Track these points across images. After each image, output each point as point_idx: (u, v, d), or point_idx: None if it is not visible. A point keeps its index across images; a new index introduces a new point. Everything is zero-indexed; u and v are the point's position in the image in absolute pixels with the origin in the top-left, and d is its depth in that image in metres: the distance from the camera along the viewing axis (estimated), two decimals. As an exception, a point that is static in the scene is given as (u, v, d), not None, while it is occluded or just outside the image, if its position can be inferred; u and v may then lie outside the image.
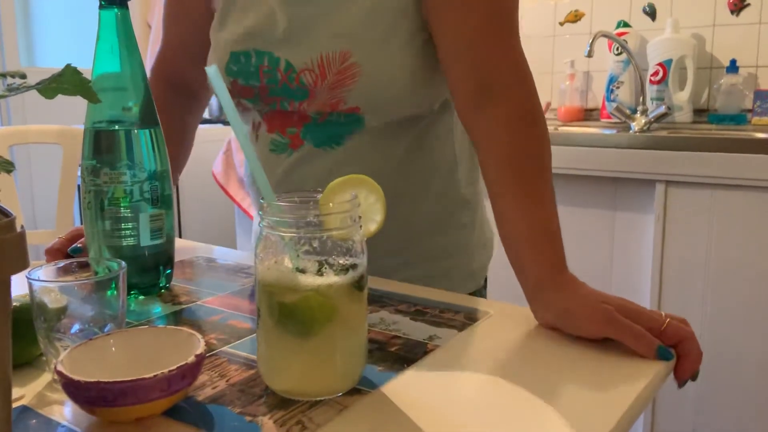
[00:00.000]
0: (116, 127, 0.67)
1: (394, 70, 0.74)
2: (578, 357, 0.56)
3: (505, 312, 0.66)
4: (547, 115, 2.19)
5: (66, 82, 0.40)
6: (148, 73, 0.94)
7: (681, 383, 0.56)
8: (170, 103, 0.92)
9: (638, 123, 1.90)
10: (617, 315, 0.56)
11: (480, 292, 0.90)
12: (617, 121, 2.00)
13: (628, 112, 1.92)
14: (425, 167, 0.82)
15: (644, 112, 1.91)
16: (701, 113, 1.96)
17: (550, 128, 1.97)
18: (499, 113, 0.69)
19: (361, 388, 0.50)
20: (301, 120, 0.79)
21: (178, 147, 0.93)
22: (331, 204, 0.47)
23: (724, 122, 1.87)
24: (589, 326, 0.57)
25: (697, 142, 1.49)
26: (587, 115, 2.19)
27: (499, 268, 0.85)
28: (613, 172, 1.57)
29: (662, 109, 1.84)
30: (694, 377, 0.56)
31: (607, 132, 1.90)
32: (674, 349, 0.56)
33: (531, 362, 0.56)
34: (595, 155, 1.59)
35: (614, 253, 1.62)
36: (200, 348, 0.47)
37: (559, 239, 0.65)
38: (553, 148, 1.73)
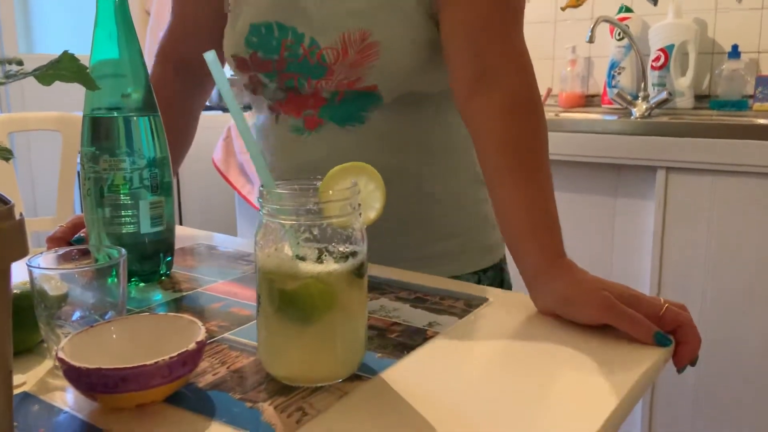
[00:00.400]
0: (115, 113, 0.67)
1: (412, 49, 0.74)
2: (577, 343, 0.56)
3: (505, 299, 0.67)
4: (547, 102, 2.18)
5: (63, 68, 0.40)
6: (155, 54, 0.93)
7: (680, 369, 0.56)
8: (176, 85, 0.91)
9: (639, 109, 1.89)
10: (616, 301, 0.56)
11: (498, 266, 0.89)
12: (618, 107, 1.99)
13: (629, 98, 1.91)
14: (444, 143, 0.83)
15: (645, 98, 1.90)
16: (702, 99, 1.96)
17: (551, 114, 1.96)
18: (496, 101, 0.70)
19: (361, 374, 0.50)
20: (317, 104, 0.79)
21: (182, 132, 0.93)
22: (330, 191, 0.47)
23: (726, 108, 1.87)
24: (587, 312, 0.57)
25: (698, 129, 1.49)
26: (588, 101, 2.18)
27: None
28: (613, 158, 1.56)
29: (663, 95, 1.83)
30: (693, 363, 0.56)
31: (608, 118, 1.90)
32: (673, 334, 0.56)
33: (530, 349, 0.56)
34: (595, 142, 1.58)
35: (614, 239, 1.62)
36: (201, 335, 0.47)
37: (557, 226, 0.65)
38: (554, 135, 1.72)
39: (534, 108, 0.70)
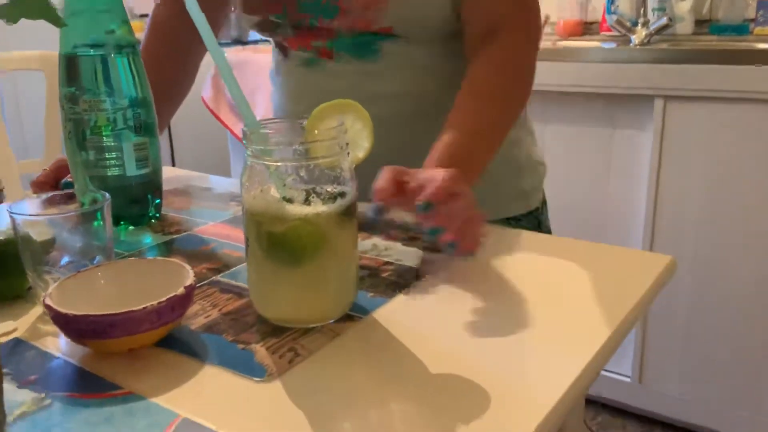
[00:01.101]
0: (91, 51, 0.64)
1: None
2: (570, 276, 0.56)
3: (497, 235, 0.66)
4: (545, 30, 2.12)
5: (28, 4, 0.37)
6: None
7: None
8: (180, 26, 0.86)
9: (639, 36, 1.84)
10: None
11: (534, 215, 0.87)
12: (617, 34, 1.93)
13: (628, 24, 1.85)
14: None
15: (645, 24, 1.84)
16: (703, 24, 1.90)
17: (548, 43, 1.91)
18: (489, 56, 0.71)
19: (353, 314, 0.50)
20: (327, 36, 0.77)
21: (182, 76, 0.90)
22: (316, 131, 0.46)
23: (726, 33, 1.82)
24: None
25: (697, 55, 1.45)
26: (586, 28, 2.12)
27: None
28: (610, 88, 1.53)
29: (663, 20, 1.77)
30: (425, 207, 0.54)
31: (606, 46, 1.85)
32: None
33: (523, 284, 0.56)
34: (592, 71, 1.55)
35: (611, 171, 1.61)
36: (190, 279, 0.47)
37: (468, 158, 0.65)
38: (550, 65, 1.68)
39: (519, 73, 0.73)
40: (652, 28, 1.81)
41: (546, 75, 1.59)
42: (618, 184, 1.61)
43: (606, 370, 1.68)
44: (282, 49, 0.83)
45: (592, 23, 2.11)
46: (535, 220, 0.87)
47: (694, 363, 1.56)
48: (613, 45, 1.86)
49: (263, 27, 0.81)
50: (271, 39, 0.84)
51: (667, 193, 1.52)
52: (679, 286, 1.53)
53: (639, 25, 1.85)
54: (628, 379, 1.65)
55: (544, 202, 0.90)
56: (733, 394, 1.52)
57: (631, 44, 1.84)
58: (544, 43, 1.87)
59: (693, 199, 1.49)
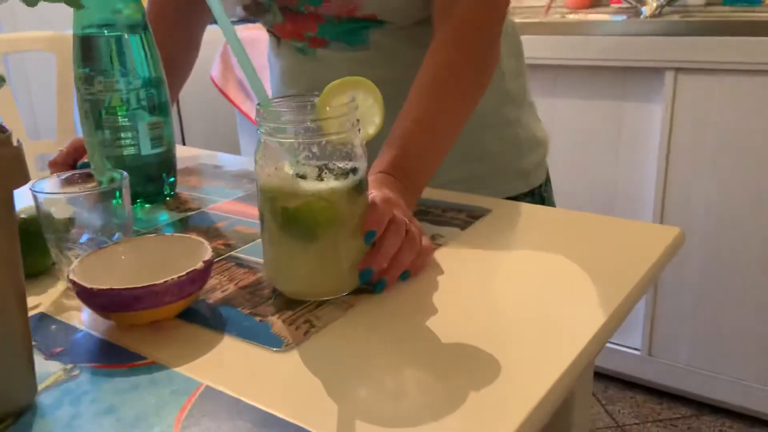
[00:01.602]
0: (105, 32, 0.65)
1: None
2: (578, 249, 0.57)
3: (507, 209, 0.67)
4: (554, 3, 2.10)
5: (46, -13, 0.38)
6: None
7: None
8: (178, 5, 0.88)
9: (650, 7, 1.82)
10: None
11: (538, 193, 0.87)
12: (628, 5, 1.91)
13: (638, -4, 1.83)
14: None
15: (656, -5, 1.82)
16: (715, -5, 1.88)
17: (557, 16, 1.89)
18: (445, 29, 0.68)
19: (366, 287, 0.51)
20: (316, 22, 0.77)
21: (183, 56, 0.91)
22: (328, 108, 0.47)
23: (738, 4, 1.79)
24: None
25: (709, 27, 1.44)
26: (596, 0, 2.09)
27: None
28: (621, 61, 1.52)
29: (674, -9, 1.75)
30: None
31: (617, 18, 1.83)
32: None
33: (534, 256, 0.57)
34: (602, 44, 1.54)
35: (621, 144, 1.60)
36: (208, 254, 0.48)
37: (414, 152, 0.63)
38: (560, 39, 1.66)
39: (467, 54, 0.68)
40: (663, -1, 1.79)
41: (555, 48, 1.58)
42: (628, 158, 1.60)
43: (616, 344, 1.70)
44: (275, 36, 0.83)
45: (602, -5, 2.08)
46: (538, 197, 0.87)
47: (704, 335, 1.57)
48: (623, 17, 1.84)
49: (252, 9, 0.80)
50: (263, 25, 0.84)
51: (678, 166, 1.52)
52: (689, 259, 1.54)
53: (649, -4, 1.83)
54: (638, 352, 1.67)
55: (547, 179, 0.90)
56: (743, 365, 1.54)
57: (642, 16, 1.82)
58: (554, 16, 1.86)
59: (703, 171, 1.49)
